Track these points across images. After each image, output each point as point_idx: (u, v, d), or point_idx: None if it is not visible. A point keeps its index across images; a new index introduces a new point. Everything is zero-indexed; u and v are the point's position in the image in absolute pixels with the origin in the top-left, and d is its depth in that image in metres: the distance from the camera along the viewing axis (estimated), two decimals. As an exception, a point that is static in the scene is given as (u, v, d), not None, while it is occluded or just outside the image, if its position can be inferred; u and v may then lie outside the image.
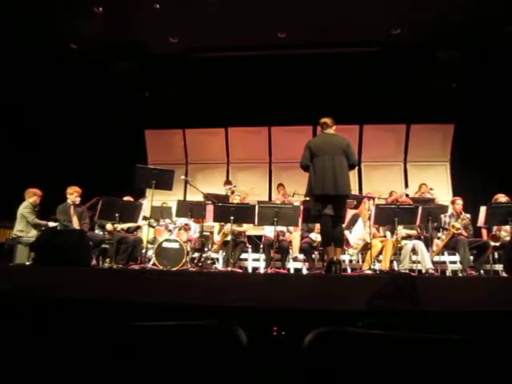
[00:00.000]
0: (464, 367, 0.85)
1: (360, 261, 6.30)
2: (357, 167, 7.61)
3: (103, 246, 6.05)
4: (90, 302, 2.82)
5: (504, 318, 2.56)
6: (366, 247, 5.73)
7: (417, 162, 8.93)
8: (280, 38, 7.42)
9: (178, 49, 7.79)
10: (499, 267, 5.72)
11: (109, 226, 6.06)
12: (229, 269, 5.57)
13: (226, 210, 5.44)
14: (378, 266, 5.74)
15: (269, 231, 6.17)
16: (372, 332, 0.89)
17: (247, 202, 6.72)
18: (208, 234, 6.49)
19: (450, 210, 6.10)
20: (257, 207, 5.52)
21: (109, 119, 8.77)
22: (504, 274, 5.29)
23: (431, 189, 7.40)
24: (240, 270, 6.03)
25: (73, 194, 5.92)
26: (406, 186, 8.46)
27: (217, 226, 6.36)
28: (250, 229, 6.55)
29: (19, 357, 0.91)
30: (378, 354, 0.86)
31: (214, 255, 6.36)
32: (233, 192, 7.25)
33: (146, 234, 6.36)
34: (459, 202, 5.99)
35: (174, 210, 6.29)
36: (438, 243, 5.89)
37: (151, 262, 5.78)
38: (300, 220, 5.57)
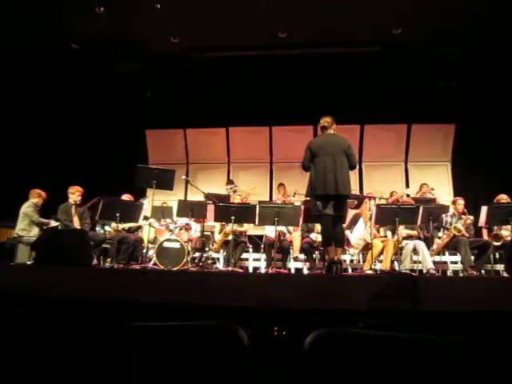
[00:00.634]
0: (465, 368, 0.85)
1: (361, 261, 6.30)
2: (358, 167, 7.62)
3: (104, 245, 6.05)
4: (90, 301, 2.82)
5: (505, 319, 2.56)
6: (367, 247, 5.73)
7: (418, 162, 8.92)
8: (281, 37, 7.43)
9: (179, 49, 7.80)
10: (500, 267, 5.72)
11: (113, 225, 6.08)
12: (229, 269, 5.57)
13: (227, 210, 5.45)
14: (378, 266, 5.74)
15: (269, 231, 6.17)
16: (373, 333, 0.89)
17: (248, 202, 6.72)
18: (209, 233, 6.49)
19: (451, 210, 6.09)
20: (257, 207, 5.52)
21: (110, 119, 8.78)
22: (505, 274, 5.28)
23: (432, 189, 7.39)
24: (241, 270, 6.03)
25: (75, 194, 5.93)
26: (407, 185, 8.45)
27: (217, 225, 6.36)
28: (250, 229, 6.55)
29: (19, 357, 0.91)
30: (379, 355, 0.86)
31: (214, 255, 6.37)
32: (234, 191, 7.25)
33: (146, 233, 6.36)
34: (460, 202, 5.98)
35: (174, 210, 6.29)
36: (438, 242, 5.88)
37: (152, 262, 5.79)
38: (301, 220, 5.57)
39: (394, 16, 6.79)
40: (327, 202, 4.27)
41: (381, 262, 5.72)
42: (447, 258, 6.02)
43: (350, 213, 5.95)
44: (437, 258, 5.84)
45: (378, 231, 6.07)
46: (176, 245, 5.81)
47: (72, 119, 8.56)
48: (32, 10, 6.64)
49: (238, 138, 9.13)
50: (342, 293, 2.95)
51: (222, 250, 6.33)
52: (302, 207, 5.55)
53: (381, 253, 5.68)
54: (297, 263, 6.25)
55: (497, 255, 5.83)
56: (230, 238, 5.80)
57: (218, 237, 6.30)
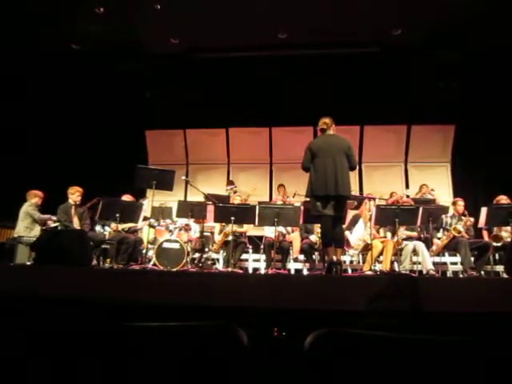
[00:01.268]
0: (465, 368, 0.85)
1: (360, 262, 6.30)
2: (357, 168, 7.62)
3: (104, 246, 6.05)
4: (90, 302, 2.82)
5: (505, 319, 2.56)
6: (367, 248, 5.72)
7: (417, 163, 8.92)
8: (280, 38, 7.43)
9: (179, 49, 7.80)
10: (500, 268, 5.71)
11: (113, 226, 6.08)
12: (229, 269, 5.57)
13: (227, 211, 5.45)
14: (378, 267, 5.73)
15: (269, 232, 6.17)
16: (373, 333, 0.89)
17: (248, 202, 6.72)
18: (208, 234, 6.49)
19: (451, 211, 6.09)
20: (257, 208, 5.52)
21: (109, 119, 8.78)
22: (505, 275, 5.28)
23: (432, 189, 7.39)
24: (240, 271, 6.03)
25: (75, 194, 5.93)
26: (407, 186, 8.45)
27: (217, 226, 6.36)
28: (250, 229, 6.55)
29: (19, 357, 0.91)
30: (379, 355, 0.86)
31: (214, 256, 6.36)
32: (235, 192, 7.25)
33: (146, 234, 6.36)
34: (460, 203, 5.98)
35: (174, 211, 6.29)
36: (437, 243, 5.88)
37: (152, 263, 5.78)
38: (301, 221, 5.57)
39: (394, 17, 6.80)
40: (327, 202, 4.27)
41: (380, 262, 5.72)
42: (447, 258, 6.02)
43: (350, 213, 5.95)
44: (436, 259, 5.83)
45: (378, 232, 6.07)
46: (176, 245, 5.81)
47: (72, 119, 8.55)
48: (32, 10, 6.64)
49: (237, 138, 9.13)
50: (341, 293, 2.95)
51: (221, 251, 6.32)
52: (302, 208, 5.55)
53: (380, 254, 5.67)
54: (296, 264, 6.25)
55: (497, 256, 5.82)
56: (230, 238, 5.80)
57: (217, 237, 6.30)
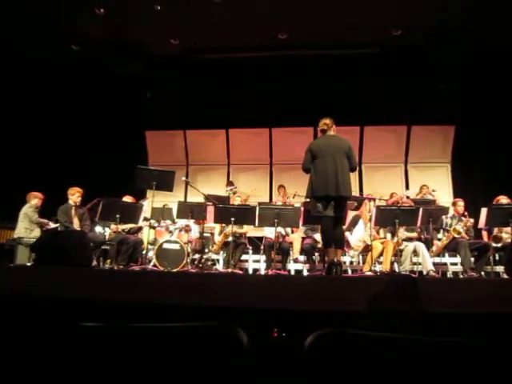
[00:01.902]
0: (465, 369, 0.85)
1: (361, 262, 6.29)
2: (357, 168, 7.62)
3: (104, 247, 6.05)
4: (90, 302, 2.82)
5: (505, 320, 2.56)
6: (367, 249, 5.72)
7: (417, 164, 8.92)
8: (281, 39, 7.44)
9: (179, 50, 7.81)
10: (500, 269, 5.71)
11: (113, 227, 6.08)
12: (229, 270, 5.57)
13: (227, 211, 5.44)
14: (378, 268, 5.73)
15: (269, 232, 6.17)
16: (373, 334, 0.89)
17: (248, 203, 6.72)
18: (208, 235, 6.48)
19: (451, 212, 6.09)
20: (257, 208, 5.52)
21: (109, 120, 8.78)
22: (505, 276, 5.28)
23: (434, 190, 7.38)
24: (240, 272, 6.03)
25: (75, 195, 5.92)
26: (407, 187, 8.45)
27: (217, 227, 6.36)
28: (250, 230, 6.55)
29: (20, 358, 0.91)
30: (379, 356, 0.86)
31: (214, 256, 6.36)
32: (235, 193, 7.25)
33: (146, 235, 6.36)
34: (460, 203, 5.97)
35: (174, 211, 6.28)
36: (437, 244, 5.88)
37: (152, 263, 5.78)
38: (301, 221, 5.57)
39: (394, 17, 6.81)
40: (328, 203, 4.27)
41: (380, 263, 5.72)
42: (447, 259, 6.01)
43: (350, 214, 5.95)
44: (437, 260, 5.83)
45: (378, 233, 6.07)
46: (176, 246, 5.81)
47: (72, 120, 8.55)
48: (32, 11, 6.65)
49: (237, 139, 9.13)
50: (341, 294, 2.95)
51: (221, 252, 6.32)
52: (302, 209, 5.55)
53: (380, 254, 5.67)
54: (297, 265, 6.24)
55: (497, 257, 5.82)
56: (230, 239, 5.80)
57: (217, 238, 6.30)
